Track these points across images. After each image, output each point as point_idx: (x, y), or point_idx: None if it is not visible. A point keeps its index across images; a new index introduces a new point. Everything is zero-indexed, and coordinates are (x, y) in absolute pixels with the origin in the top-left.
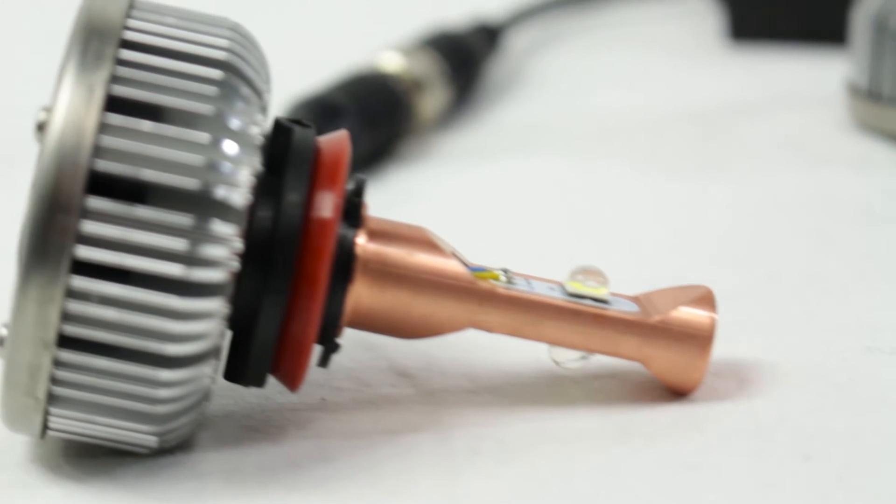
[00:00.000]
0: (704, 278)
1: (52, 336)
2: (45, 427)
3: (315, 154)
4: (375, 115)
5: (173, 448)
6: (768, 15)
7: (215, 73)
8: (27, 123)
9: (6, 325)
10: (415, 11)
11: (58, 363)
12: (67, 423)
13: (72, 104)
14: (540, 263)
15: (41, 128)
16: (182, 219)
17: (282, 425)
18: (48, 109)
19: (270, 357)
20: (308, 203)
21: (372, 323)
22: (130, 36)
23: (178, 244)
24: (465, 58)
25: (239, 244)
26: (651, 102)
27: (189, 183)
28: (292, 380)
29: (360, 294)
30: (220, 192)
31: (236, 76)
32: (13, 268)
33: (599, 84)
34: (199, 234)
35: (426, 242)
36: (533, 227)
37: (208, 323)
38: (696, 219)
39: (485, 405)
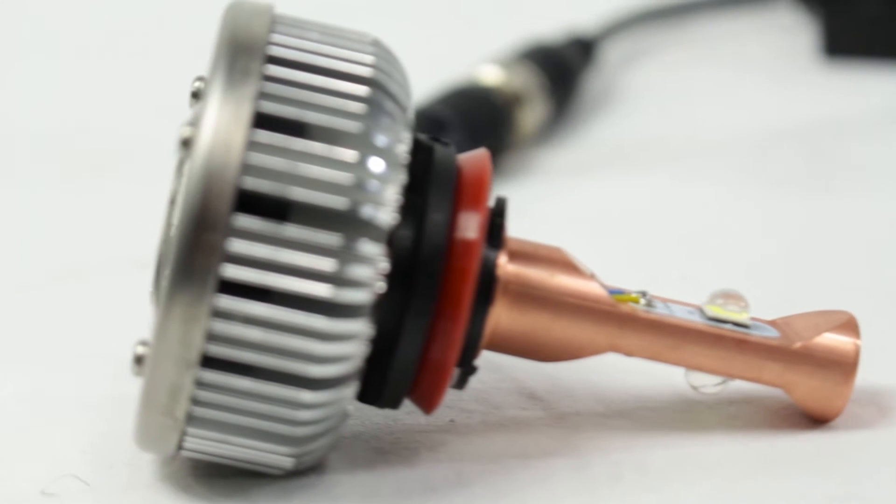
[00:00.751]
0: (831, 301)
1: (195, 356)
2: (179, 447)
3: (457, 173)
4: (479, 129)
5: (306, 470)
6: (864, 32)
7: (361, 90)
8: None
9: (146, 344)
10: (505, 24)
11: (199, 383)
12: (203, 443)
13: (219, 120)
14: (653, 283)
15: (186, 144)
16: (330, 238)
17: (413, 447)
18: (193, 125)
19: (410, 379)
20: (451, 223)
21: (510, 345)
22: (275, 52)
23: (325, 264)
24: (563, 71)
25: (385, 264)
26: (750, 119)
27: (337, 202)
28: (428, 402)
29: (500, 316)
30: (368, 212)
31: (382, 92)
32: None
33: (695, 99)
34: (346, 254)
35: (566, 264)
36: (641, 246)
37: (352, 345)
38: (812, 239)
39: (619, 430)
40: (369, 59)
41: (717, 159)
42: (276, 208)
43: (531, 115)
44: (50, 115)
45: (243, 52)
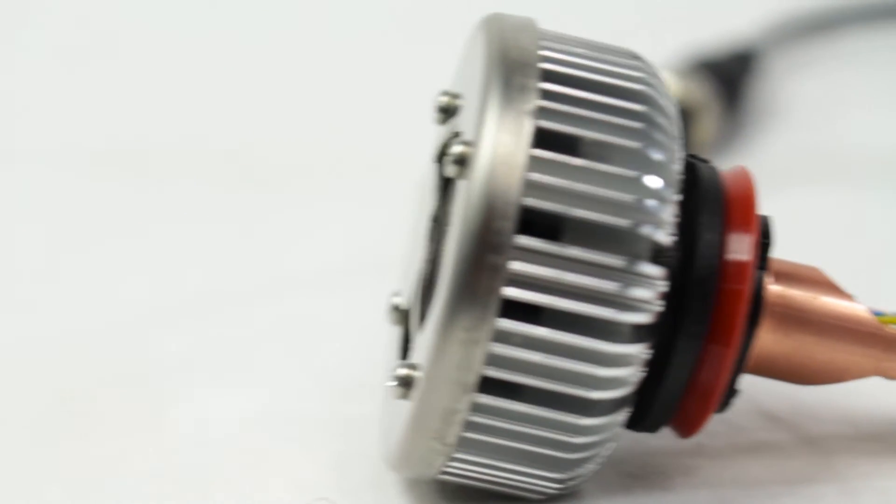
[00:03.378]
0: None
1: (473, 379)
2: (441, 471)
3: (724, 192)
4: None
5: (563, 496)
6: None
7: (636, 106)
8: None
9: (417, 367)
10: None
11: (475, 407)
12: (466, 467)
13: (499, 138)
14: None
15: (462, 162)
16: (612, 258)
17: (665, 472)
18: (469, 143)
19: (676, 404)
20: (722, 244)
21: (772, 368)
22: (548, 67)
23: (608, 285)
24: (732, 81)
25: (663, 286)
26: None
27: (619, 221)
28: (689, 427)
29: (765, 339)
30: (647, 231)
31: (655, 108)
32: None
33: (862, 111)
34: (628, 275)
35: (827, 284)
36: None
37: (631, 368)
38: None
39: (876, 454)
40: (637, 73)
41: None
42: (559, 228)
43: (704, 126)
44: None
45: (518, 68)
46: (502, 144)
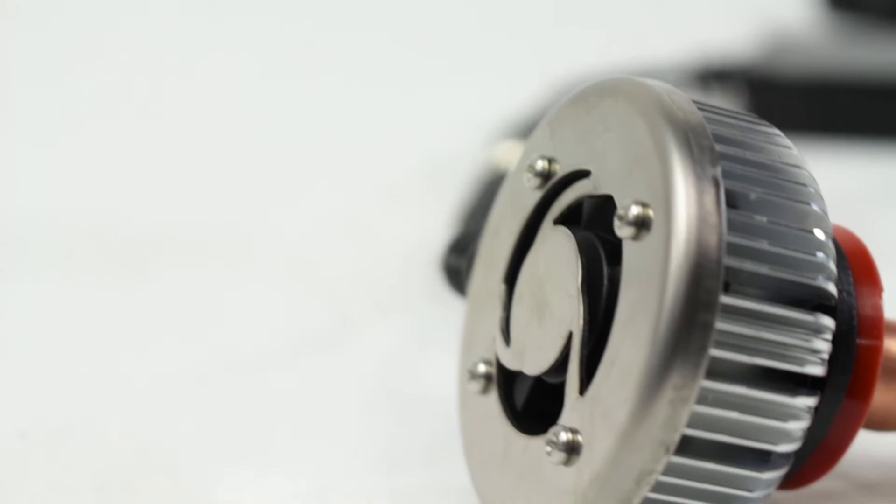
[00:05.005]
0: None
1: (676, 439)
2: None
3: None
4: None
5: None
6: (790, 108)
7: (792, 165)
8: None
9: (575, 431)
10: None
11: (669, 468)
12: None
13: (695, 199)
14: None
15: (643, 224)
16: (800, 314)
17: None
18: (646, 205)
19: (808, 456)
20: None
21: (871, 419)
22: (715, 129)
23: (797, 340)
24: None
25: (830, 336)
26: None
27: (804, 277)
28: (802, 481)
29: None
30: (821, 282)
31: (802, 165)
32: None
33: None
34: (811, 328)
35: None
36: None
37: (807, 420)
38: None
39: None
40: (772, 131)
41: None
42: (754, 286)
43: None
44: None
45: (692, 130)
46: (699, 205)
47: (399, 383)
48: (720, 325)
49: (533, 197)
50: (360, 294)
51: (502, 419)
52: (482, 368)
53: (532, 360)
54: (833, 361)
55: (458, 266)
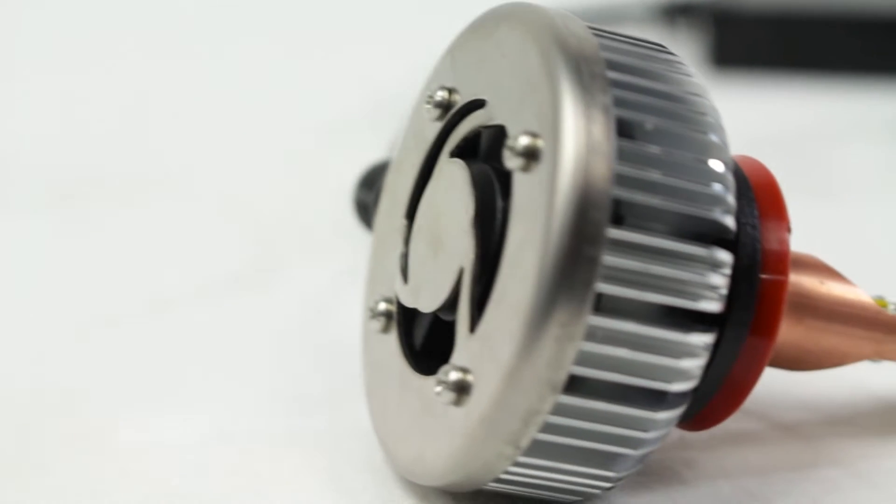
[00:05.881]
0: None
1: (562, 378)
2: (496, 478)
3: (748, 179)
4: None
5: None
6: (751, 45)
7: (692, 93)
8: None
9: (470, 371)
10: None
11: (557, 407)
12: (525, 472)
13: (584, 129)
14: None
15: (533, 155)
16: (695, 248)
17: (670, 466)
18: (535, 135)
19: (711, 396)
20: (760, 232)
21: (781, 356)
22: (609, 56)
23: (691, 274)
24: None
25: (729, 271)
26: None
27: (697, 209)
28: (708, 421)
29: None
30: (718, 216)
31: (702, 92)
32: None
33: None
34: (707, 263)
35: (828, 270)
36: None
37: (702, 359)
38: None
39: (855, 437)
40: (676, 59)
41: None
42: (645, 218)
43: None
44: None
45: (585, 58)
46: (587, 134)
47: (316, 325)
48: (608, 258)
49: (433, 128)
50: (292, 234)
51: (401, 358)
52: (382, 306)
53: (427, 297)
54: (734, 297)
55: (366, 201)
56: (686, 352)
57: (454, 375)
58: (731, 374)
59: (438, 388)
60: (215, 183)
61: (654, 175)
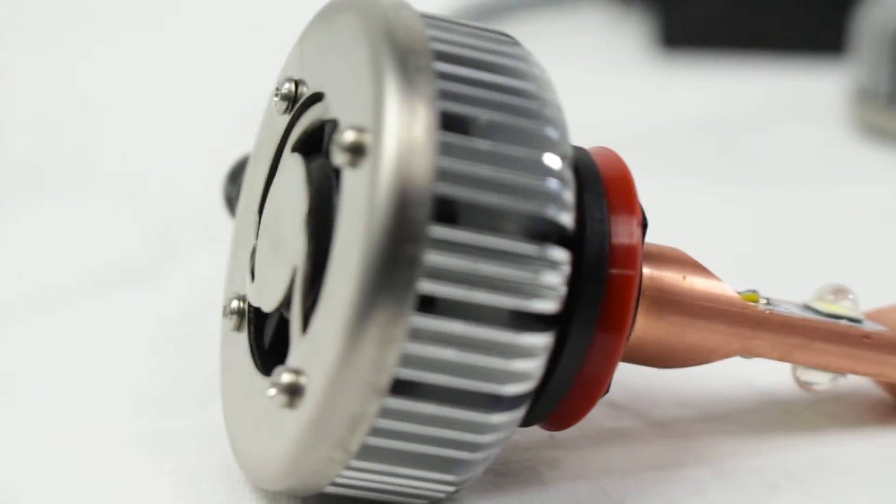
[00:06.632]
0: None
1: (386, 381)
2: (331, 482)
3: (600, 172)
4: None
5: (444, 500)
6: (700, 25)
7: (528, 85)
8: None
9: (304, 373)
10: None
11: (384, 412)
12: (360, 476)
13: (404, 124)
14: None
15: (358, 150)
16: (525, 246)
17: (531, 466)
18: (363, 129)
19: (562, 396)
20: (609, 226)
21: (641, 353)
22: (439, 47)
23: (521, 274)
24: None
25: (567, 270)
26: (625, 115)
27: (527, 206)
28: (566, 421)
29: (639, 323)
30: (552, 213)
31: (542, 86)
32: None
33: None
34: (539, 261)
35: (692, 264)
36: None
37: (539, 360)
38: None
39: (731, 434)
40: (516, 50)
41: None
42: (470, 216)
43: None
44: None
45: (411, 50)
46: (409, 130)
47: (200, 318)
48: (431, 257)
49: (283, 121)
50: (190, 225)
51: (249, 358)
52: (235, 304)
53: (268, 296)
54: (579, 295)
55: (232, 195)
56: (519, 353)
57: (286, 378)
58: (583, 373)
59: (272, 391)
60: (112, 169)
61: (484, 171)
